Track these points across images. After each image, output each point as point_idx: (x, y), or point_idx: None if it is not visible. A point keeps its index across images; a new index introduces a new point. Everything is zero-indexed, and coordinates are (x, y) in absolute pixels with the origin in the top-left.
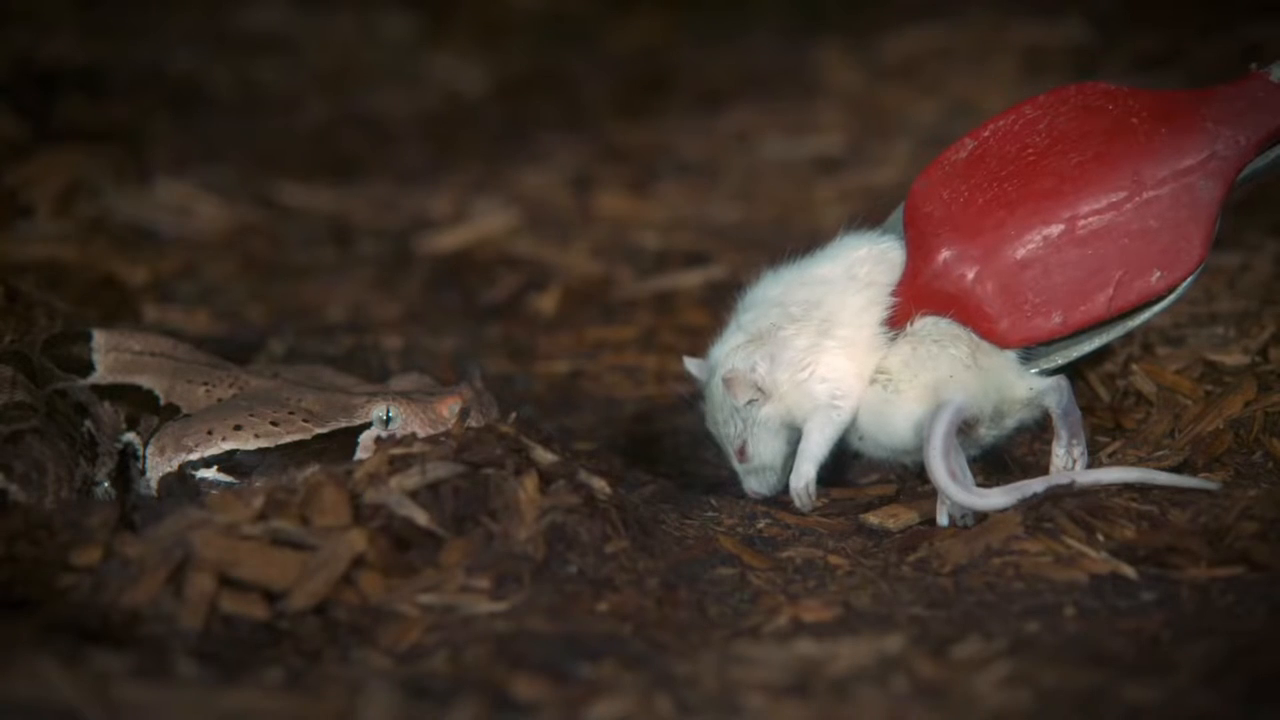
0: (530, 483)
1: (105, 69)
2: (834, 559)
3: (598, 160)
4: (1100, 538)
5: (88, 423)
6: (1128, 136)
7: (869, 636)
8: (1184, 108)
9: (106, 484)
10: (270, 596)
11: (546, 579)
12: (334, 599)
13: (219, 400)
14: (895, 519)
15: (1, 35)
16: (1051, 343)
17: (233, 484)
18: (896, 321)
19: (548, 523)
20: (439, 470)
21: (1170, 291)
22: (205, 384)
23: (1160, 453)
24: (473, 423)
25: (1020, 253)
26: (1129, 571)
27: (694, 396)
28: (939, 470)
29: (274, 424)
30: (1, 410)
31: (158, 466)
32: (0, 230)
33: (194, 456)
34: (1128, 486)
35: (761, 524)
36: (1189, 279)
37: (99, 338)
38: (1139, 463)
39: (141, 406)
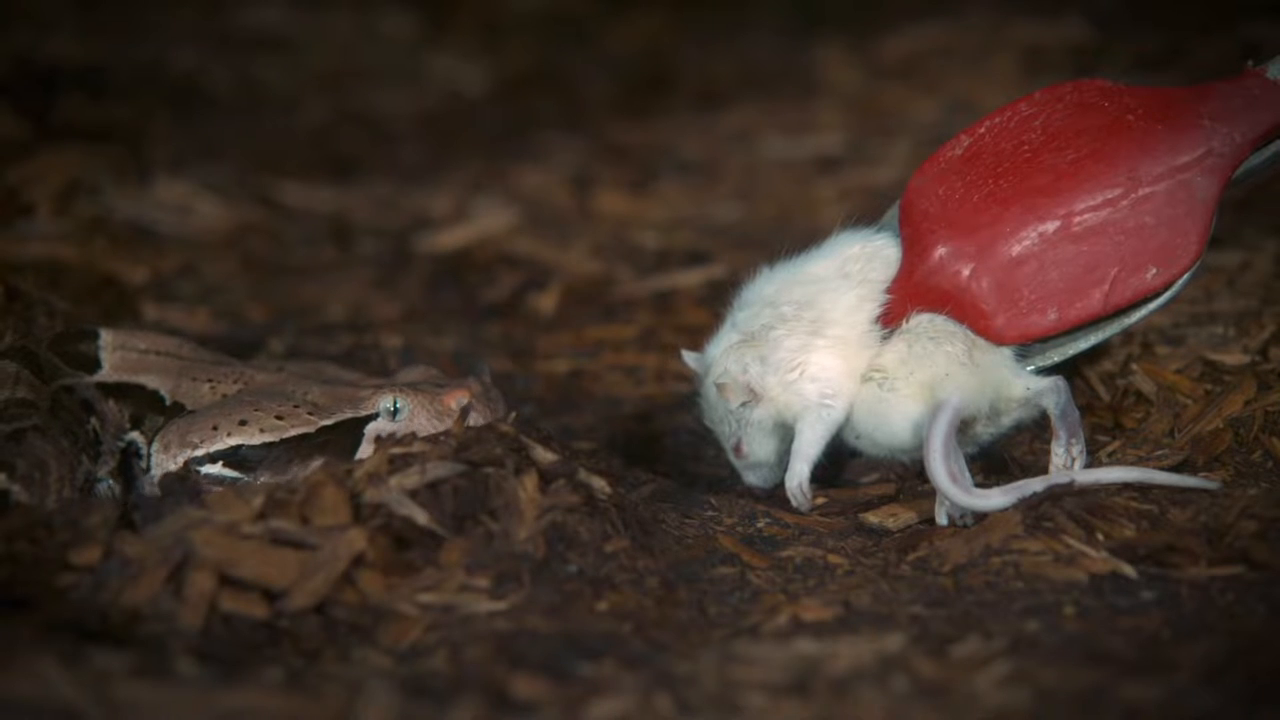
0: (530, 482)
1: (105, 68)
2: (834, 558)
3: (598, 160)
4: (1100, 537)
5: (93, 420)
6: (1124, 133)
7: (869, 636)
8: (1180, 105)
9: (110, 481)
10: (270, 596)
11: (546, 578)
12: (334, 598)
13: (224, 397)
14: (895, 518)
15: (1, 35)
16: (1047, 340)
17: (238, 479)
18: (891, 319)
19: (548, 522)
20: (439, 470)
21: (1166, 288)
22: (210, 381)
23: (1160, 452)
24: (479, 419)
25: (1016, 249)
26: (1129, 571)
27: (694, 395)
28: (939, 472)
29: (279, 418)
30: (3, 407)
31: (163, 463)
32: (0, 230)
33: (199, 452)
34: (1127, 486)
35: (761, 523)
36: (1185, 276)
37: (106, 336)
38: (1139, 462)
39: (146, 406)
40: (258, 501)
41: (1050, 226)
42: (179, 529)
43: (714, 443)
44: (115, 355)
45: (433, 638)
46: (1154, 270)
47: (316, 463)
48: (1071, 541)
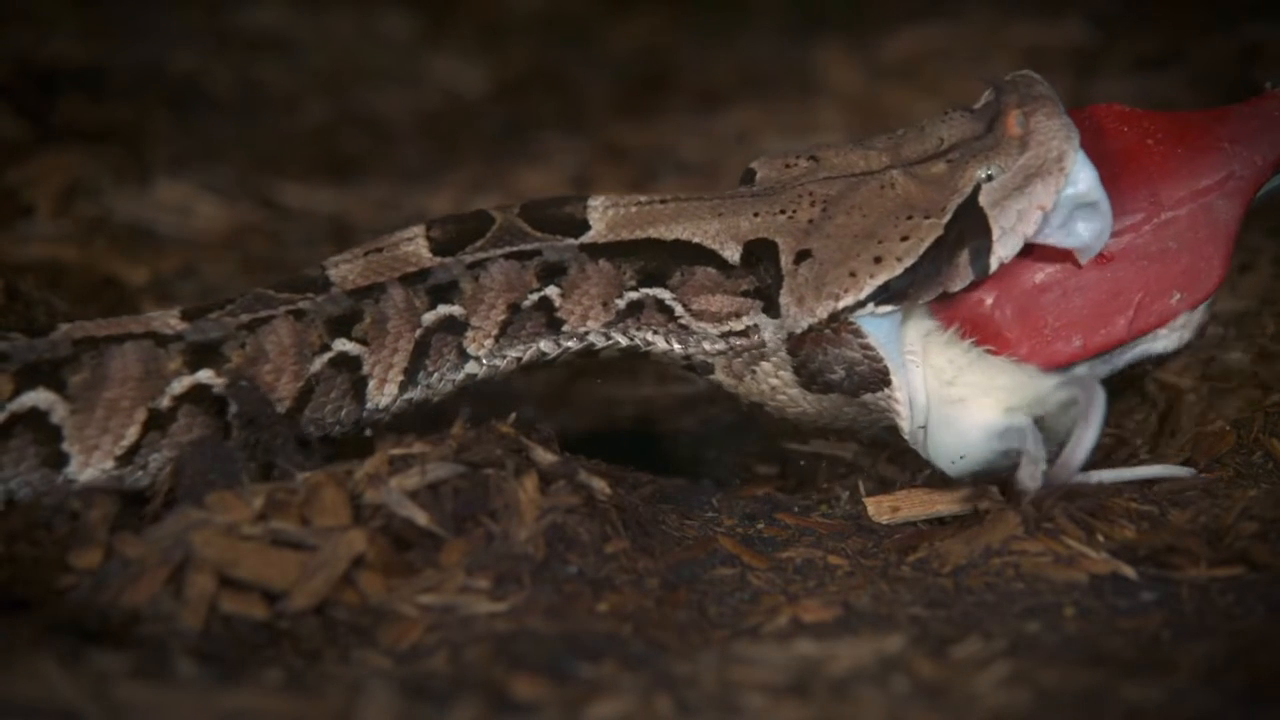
0: (530, 483)
1: (105, 69)
2: (834, 559)
3: (598, 160)
4: (1100, 538)
5: (546, 289)
6: (1144, 158)
7: (869, 636)
8: (1200, 128)
9: (604, 339)
10: (270, 596)
11: (546, 579)
12: (334, 599)
13: (811, 222)
14: (893, 517)
15: (1, 35)
16: (1070, 367)
17: (891, 312)
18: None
19: (548, 523)
20: (439, 470)
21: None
22: (754, 213)
23: (1161, 454)
24: (1036, 112)
25: (1039, 276)
26: (1129, 571)
27: (693, 398)
28: (1086, 450)
29: (904, 239)
30: (271, 291)
31: (798, 317)
32: (0, 230)
33: (846, 301)
34: (1128, 487)
35: (761, 524)
36: (1208, 300)
37: (595, 199)
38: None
39: (665, 259)
40: (258, 502)
41: None
42: (179, 530)
43: (714, 443)
44: (609, 214)
45: (433, 638)
46: (1178, 295)
47: (962, 257)
48: (1071, 542)
